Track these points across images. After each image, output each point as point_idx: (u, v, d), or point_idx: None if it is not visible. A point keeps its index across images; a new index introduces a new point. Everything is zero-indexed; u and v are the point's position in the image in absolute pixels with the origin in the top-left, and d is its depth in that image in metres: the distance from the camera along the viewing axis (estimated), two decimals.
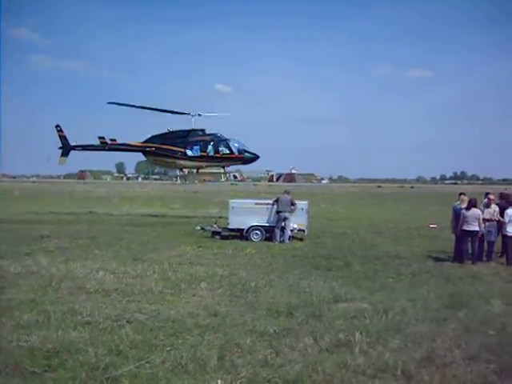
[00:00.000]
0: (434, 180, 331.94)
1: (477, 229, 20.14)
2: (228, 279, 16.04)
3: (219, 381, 8.15)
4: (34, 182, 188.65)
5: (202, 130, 39.54)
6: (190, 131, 39.42)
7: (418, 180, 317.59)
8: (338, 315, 11.99)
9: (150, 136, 40.10)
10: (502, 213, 20.67)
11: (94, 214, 42.57)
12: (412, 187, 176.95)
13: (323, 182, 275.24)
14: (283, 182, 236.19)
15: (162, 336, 10.32)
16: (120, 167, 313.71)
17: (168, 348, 9.56)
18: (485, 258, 20.71)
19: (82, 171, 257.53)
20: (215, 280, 15.82)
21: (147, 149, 39.64)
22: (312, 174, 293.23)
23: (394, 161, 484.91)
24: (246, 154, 38.77)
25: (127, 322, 11.26)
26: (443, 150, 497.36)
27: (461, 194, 23.24)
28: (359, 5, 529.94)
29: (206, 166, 40.01)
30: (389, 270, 18.13)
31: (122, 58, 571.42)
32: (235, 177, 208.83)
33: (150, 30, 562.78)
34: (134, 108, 39.23)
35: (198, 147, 38.73)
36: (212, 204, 56.49)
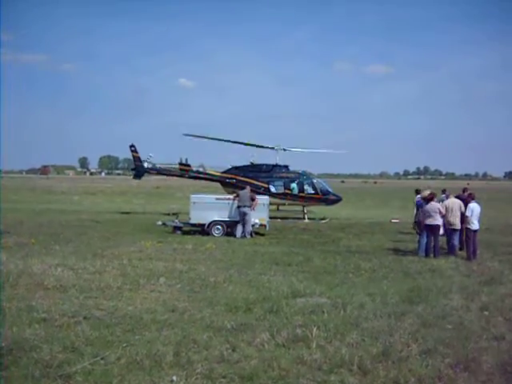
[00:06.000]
0: (397, 175, 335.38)
1: (437, 222, 20.28)
2: (187, 274, 15.94)
3: (174, 377, 8.09)
4: None
5: (286, 167, 39.05)
6: (273, 166, 38.75)
7: (382, 175, 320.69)
8: (296, 310, 11.98)
9: (230, 167, 39.36)
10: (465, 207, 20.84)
11: (56, 210, 42.06)
12: (375, 182, 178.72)
13: None
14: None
15: (118, 332, 10.20)
16: (83, 162, 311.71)
17: (124, 344, 9.43)
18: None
19: (44, 166, 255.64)
20: (174, 275, 15.72)
21: (227, 180, 38.70)
22: None
23: (357, 156, 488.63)
24: (330, 195, 38.47)
25: (84, 318, 11.09)
26: (406, 145, 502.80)
27: (417, 190, 23.72)
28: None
29: (288, 204, 39.00)
30: (349, 265, 18.18)
31: (83, 52, 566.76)
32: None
33: (111, 24, 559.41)
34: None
35: (281, 184, 37.95)
36: (174, 199, 56.33)
